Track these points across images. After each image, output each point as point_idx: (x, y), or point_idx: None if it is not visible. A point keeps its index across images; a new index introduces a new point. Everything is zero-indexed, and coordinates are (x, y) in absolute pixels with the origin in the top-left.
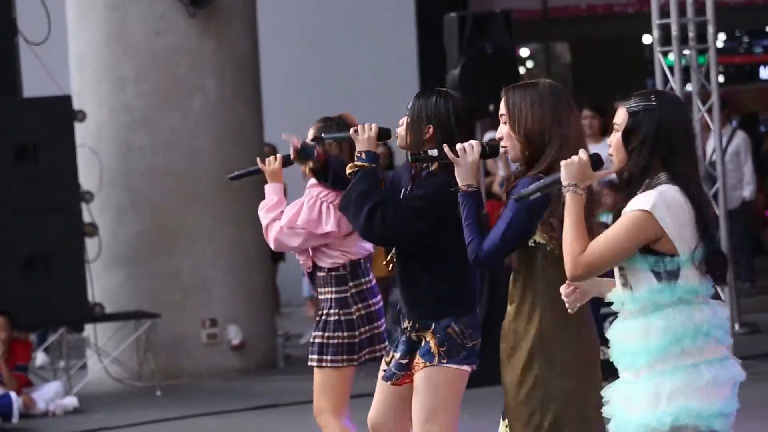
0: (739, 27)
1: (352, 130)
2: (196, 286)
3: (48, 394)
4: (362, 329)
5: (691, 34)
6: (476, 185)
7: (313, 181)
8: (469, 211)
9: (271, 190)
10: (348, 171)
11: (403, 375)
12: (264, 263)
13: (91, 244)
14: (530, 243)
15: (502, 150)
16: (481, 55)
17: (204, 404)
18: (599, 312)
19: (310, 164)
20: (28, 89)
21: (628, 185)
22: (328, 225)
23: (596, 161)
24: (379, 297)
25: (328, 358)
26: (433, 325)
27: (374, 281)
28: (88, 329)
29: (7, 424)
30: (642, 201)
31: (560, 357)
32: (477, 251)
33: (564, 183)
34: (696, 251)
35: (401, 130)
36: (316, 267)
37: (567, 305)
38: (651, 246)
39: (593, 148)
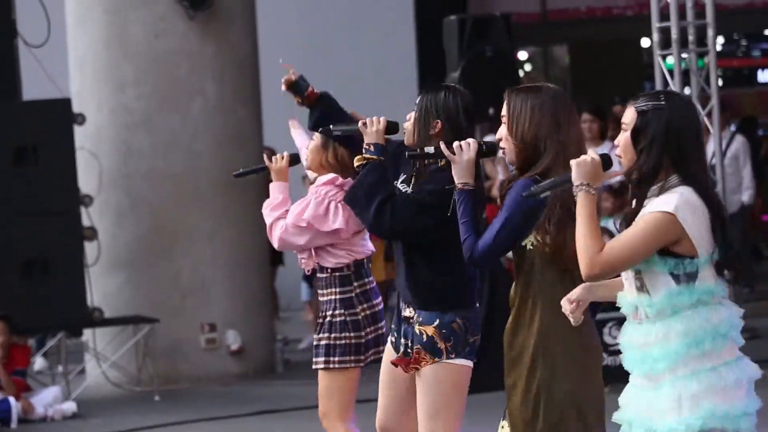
0: (738, 30)
1: (360, 123)
2: (195, 290)
3: (47, 399)
4: (368, 329)
5: (691, 38)
6: (472, 183)
7: (321, 179)
8: (465, 208)
9: (276, 189)
10: (356, 163)
11: (408, 360)
12: (263, 267)
13: (90, 248)
14: (528, 246)
15: (500, 154)
16: (481, 58)
17: (203, 409)
18: (595, 317)
19: (298, 99)
20: (27, 92)
21: (638, 185)
22: (336, 222)
23: (607, 161)
24: (380, 298)
25: (336, 359)
26: (438, 320)
27: (375, 282)
28: (87, 334)
29: (6, 429)
30: (665, 202)
31: (562, 360)
32: (472, 250)
33: (576, 182)
34: (713, 252)
35: (408, 125)
36: (316, 268)
37: (571, 321)
38: (670, 248)
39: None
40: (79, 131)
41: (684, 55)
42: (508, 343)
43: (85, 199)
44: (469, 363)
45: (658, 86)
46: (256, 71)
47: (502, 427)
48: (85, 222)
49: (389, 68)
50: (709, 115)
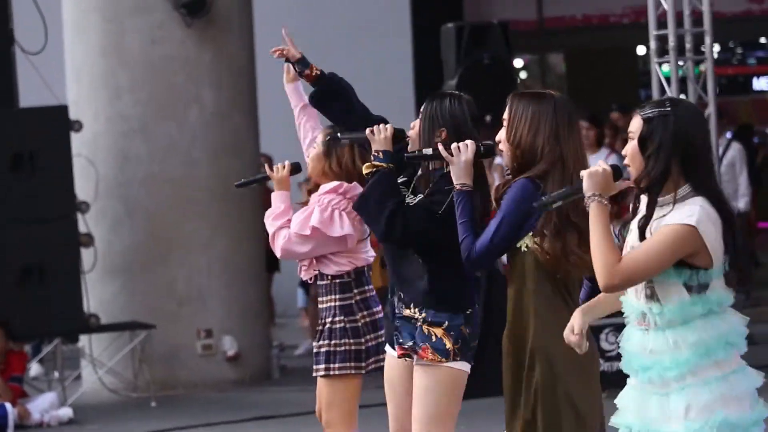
0: (733, 38)
1: (368, 131)
2: (192, 297)
3: (43, 405)
4: (368, 336)
5: (688, 45)
6: (470, 184)
7: (324, 188)
8: (463, 209)
9: (278, 198)
10: (365, 171)
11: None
12: (259, 274)
13: (86, 255)
14: (522, 248)
15: (497, 160)
16: (479, 65)
17: (199, 415)
18: None
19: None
20: (24, 99)
21: (648, 191)
22: (345, 228)
23: (617, 172)
24: (380, 307)
25: (336, 366)
26: (447, 322)
27: (375, 290)
28: (83, 340)
29: None
30: (686, 215)
31: (559, 364)
32: (469, 250)
33: (587, 193)
34: (725, 262)
35: (413, 134)
36: (317, 276)
37: (578, 351)
38: (687, 260)
39: (589, 159)
40: (75, 138)
41: (680, 63)
42: (505, 347)
43: (82, 205)
44: (468, 367)
45: (655, 94)
46: (253, 79)
47: None
48: (82, 228)
49: (386, 75)
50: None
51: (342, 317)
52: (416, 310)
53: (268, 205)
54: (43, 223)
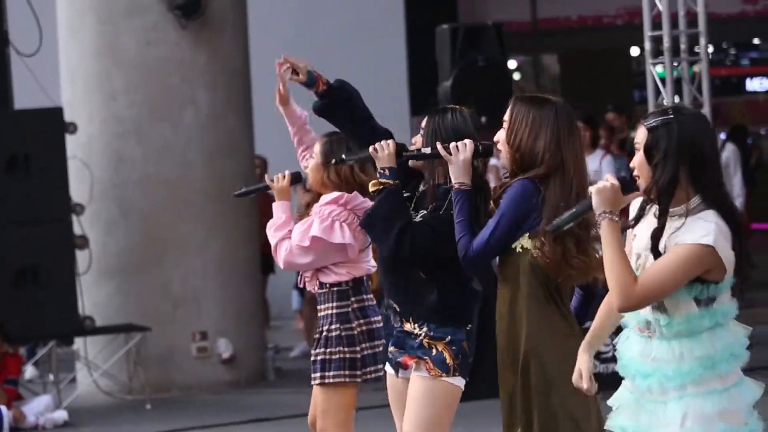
0: (727, 39)
1: (371, 149)
2: (187, 299)
3: (38, 408)
4: (363, 345)
5: (683, 46)
6: (469, 183)
7: (324, 198)
8: (461, 208)
9: (279, 209)
10: (371, 189)
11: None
12: (254, 276)
13: (81, 257)
14: (518, 249)
15: (492, 161)
16: (473, 67)
17: (194, 418)
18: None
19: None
20: (19, 101)
21: (658, 200)
22: (346, 238)
23: (625, 184)
24: (380, 317)
25: (331, 374)
26: (449, 336)
27: (374, 300)
28: (78, 342)
29: None
30: (702, 235)
31: (552, 367)
32: (467, 248)
33: (597, 211)
34: (734, 275)
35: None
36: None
37: (590, 393)
38: (701, 275)
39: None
40: (70, 140)
41: (674, 64)
42: (501, 349)
43: (77, 207)
44: (463, 384)
45: (650, 95)
46: (247, 80)
47: None
48: (77, 230)
49: (380, 77)
50: None
51: (338, 325)
52: (416, 325)
53: (264, 207)
54: (38, 225)
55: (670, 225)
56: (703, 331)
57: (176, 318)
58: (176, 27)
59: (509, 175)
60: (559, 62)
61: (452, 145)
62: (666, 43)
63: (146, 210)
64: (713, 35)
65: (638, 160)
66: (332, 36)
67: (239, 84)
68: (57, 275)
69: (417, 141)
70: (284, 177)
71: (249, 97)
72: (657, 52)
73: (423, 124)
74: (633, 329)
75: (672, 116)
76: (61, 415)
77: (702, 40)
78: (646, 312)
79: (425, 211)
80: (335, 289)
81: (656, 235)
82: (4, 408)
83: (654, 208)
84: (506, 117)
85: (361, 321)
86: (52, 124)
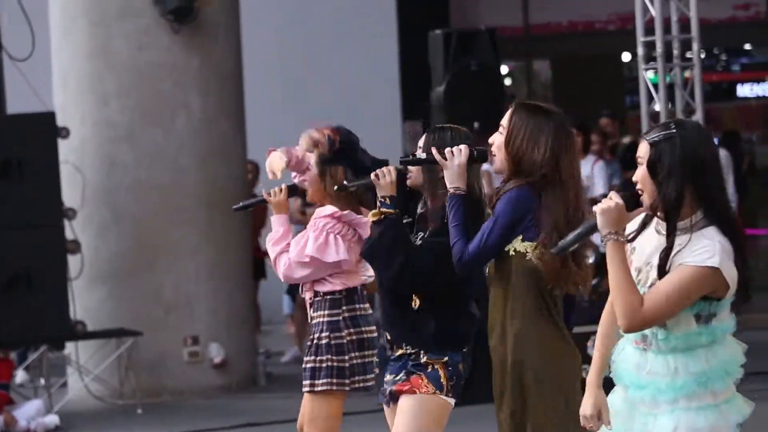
0: (718, 45)
1: (372, 176)
2: (178, 304)
3: (29, 412)
4: (352, 354)
5: (675, 52)
6: (464, 188)
7: (319, 212)
8: (455, 212)
9: (277, 222)
10: (372, 218)
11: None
12: (246, 281)
13: (73, 261)
14: (510, 252)
15: (485, 167)
16: (466, 72)
17: (185, 422)
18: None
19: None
20: (11, 105)
21: (666, 219)
22: (340, 254)
23: (629, 201)
24: (373, 327)
25: (319, 382)
26: (447, 357)
27: (369, 310)
28: (69, 347)
29: None
30: (707, 257)
31: (545, 367)
32: (462, 253)
33: (603, 232)
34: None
35: (415, 169)
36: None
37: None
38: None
39: None
40: (63, 145)
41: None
42: (493, 351)
43: (69, 212)
44: (453, 403)
45: (642, 100)
46: (240, 85)
47: None
48: (69, 235)
49: (372, 82)
50: None
51: (328, 333)
52: (409, 348)
53: (256, 212)
54: (30, 229)
55: (678, 239)
56: (700, 347)
57: (168, 323)
58: (169, 31)
59: (503, 180)
60: (551, 68)
61: (447, 150)
62: (659, 48)
63: (138, 214)
64: (704, 41)
65: (641, 174)
66: (325, 41)
67: (232, 89)
68: (49, 280)
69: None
70: (281, 190)
71: (241, 102)
72: (649, 58)
73: (421, 142)
74: (629, 341)
75: (674, 130)
76: (53, 419)
77: (695, 46)
78: None
79: (424, 234)
80: (328, 297)
81: (665, 257)
82: None
83: (655, 222)
84: (504, 122)
85: (352, 330)
86: (44, 129)
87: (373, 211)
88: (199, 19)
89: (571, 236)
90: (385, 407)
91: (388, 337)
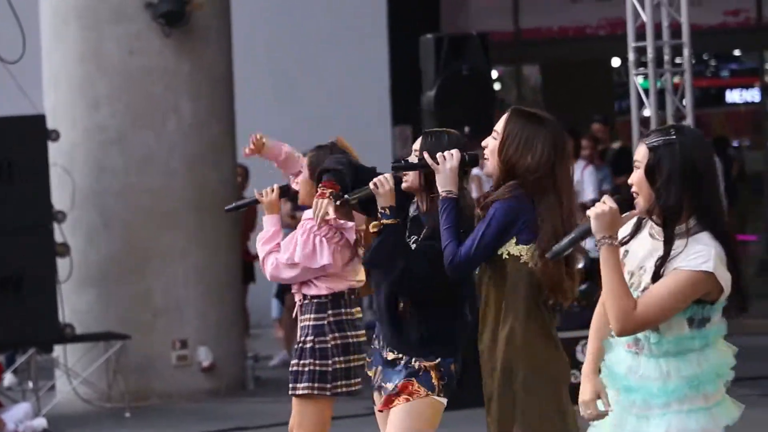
0: (708, 50)
1: (371, 185)
2: (167, 308)
3: (17, 415)
4: (336, 359)
5: (666, 57)
6: (456, 192)
7: (308, 213)
8: (447, 215)
9: (268, 222)
10: (372, 229)
11: (391, 395)
12: (235, 285)
13: (62, 265)
14: (503, 256)
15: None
16: (457, 76)
17: (173, 426)
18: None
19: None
20: (2, 108)
21: (663, 227)
22: (324, 258)
23: (622, 205)
24: (361, 332)
25: (301, 385)
26: (439, 359)
27: (357, 315)
28: (58, 350)
29: None
30: (701, 261)
31: (535, 372)
32: (454, 255)
33: (597, 236)
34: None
35: (412, 174)
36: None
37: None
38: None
39: None
40: (53, 148)
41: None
42: (484, 356)
43: (58, 215)
44: (445, 402)
45: (633, 106)
46: (231, 89)
47: None
48: (58, 238)
49: (363, 86)
50: None
51: (312, 337)
52: (400, 354)
53: (245, 216)
54: (20, 232)
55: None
56: (692, 351)
57: (156, 326)
58: (160, 35)
59: (494, 185)
60: (540, 72)
61: (439, 154)
62: (650, 53)
63: (128, 218)
64: (694, 46)
65: (638, 178)
66: (315, 45)
67: (222, 92)
68: (38, 282)
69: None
70: (273, 190)
71: (232, 106)
72: (640, 63)
73: (416, 146)
74: (620, 344)
75: (674, 137)
76: (41, 422)
77: (686, 51)
78: None
79: (417, 237)
80: (315, 301)
81: (661, 264)
82: None
83: (648, 225)
84: (499, 128)
85: (336, 335)
86: (34, 132)
87: (374, 222)
88: (190, 23)
89: (565, 241)
90: (377, 411)
91: (382, 341)
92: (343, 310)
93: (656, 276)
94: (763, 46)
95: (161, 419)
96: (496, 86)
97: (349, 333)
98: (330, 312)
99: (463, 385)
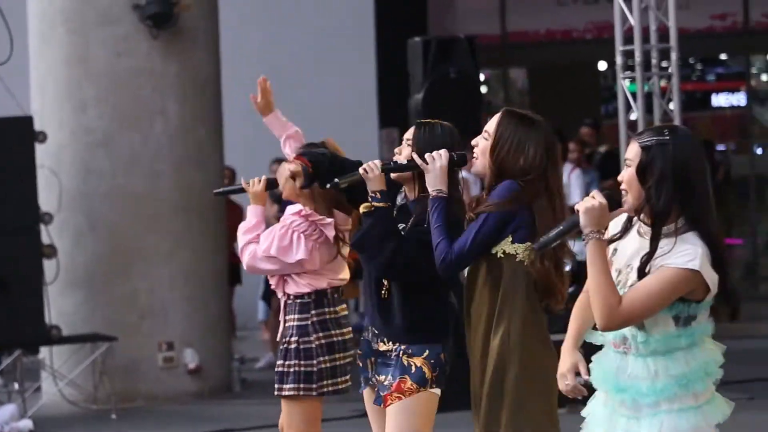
0: (695, 54)
1: (361, 170)
2: (153, 310)
3: (3, 417)
4: (321, 359)
5: (654, 61)
6: (446, 190)
7: (289, 209)
8: (438, 214)
9: (252, 212)
10: (362, 211)
11: (386, 395)
12: (221, 287)
13: (49, 266)
14: (498, 254)
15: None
16: (445, 79)
17: (160, 428)
18: None
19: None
20: None
21: (651, 226)
22: (299, 253)
23: (611, 201)
24: (347, 329)
25: (286, 386)
26: (427, 351)
27: (342, 313)
28: (44, 351)
29: None
30: (688, 260)
31: (526, 372)
32: (446, 253)
33: (585, 230)
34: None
35: (400, 159)
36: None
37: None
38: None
39: None
40: (40, 149)
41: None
42: (476, 353)
43: (45, 217)
44: (440, 392)
45: (621, 109)
46: (218, 91)
47: None
48: (45, 240)
49: (350, 88)
50: None
51: (296, 338)
52: (390, 343)
53: (231, 218)
54: (6, 234)
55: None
56: (679, 349)
57: (143, 328)
58: (147, 37)
59: (487, 185)
60: (527, 76)
61: (428, 154)
62: (637, 57)
63: (114, 220)
64: (681, 50)
65: (628, 176)
66: (303, 48)
67: (210, 95)
68: (24, 284)
69: (402, 151)
70: (260, 181)
71: (219, 108)
72: (627, 67)
73: (409, 135)
74: (608, 345)
75: (668, 137)
76: (26, 424)
77: (673, 55)
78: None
79: (405, 225)
80: (298, 301)
81: (646, 261)
82: None
83: (637, 224)
84: (491, 128)
85: (320, 334)
86: (21, 133)
87: (365, 204)
88: (178, 25)
89: (553, 233)
90: (367, 405)
91: (375, 331)
92: (326, 309)
93: (642, 273)
94: (749, 50)
95: (147, 421)
96: (483, 89)
97: (333, 332)
98: (313, 312)
99: (451, 390)
